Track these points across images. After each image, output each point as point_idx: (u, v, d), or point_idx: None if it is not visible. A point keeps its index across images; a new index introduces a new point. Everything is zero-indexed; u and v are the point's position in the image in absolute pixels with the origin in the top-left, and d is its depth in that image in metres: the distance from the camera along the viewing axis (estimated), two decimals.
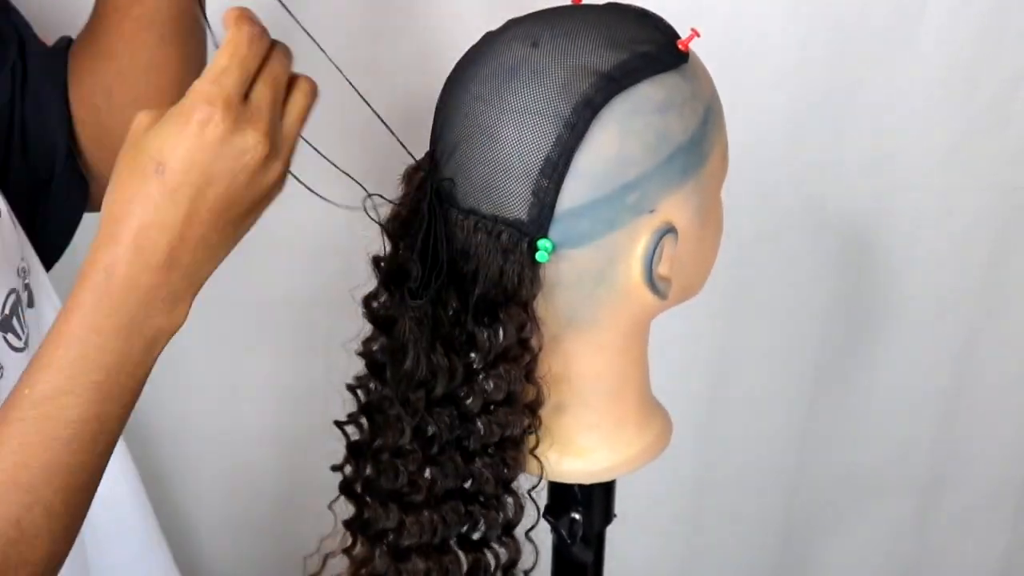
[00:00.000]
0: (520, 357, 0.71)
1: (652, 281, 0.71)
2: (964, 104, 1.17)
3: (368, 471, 0.78)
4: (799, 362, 1.34)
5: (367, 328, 0.75)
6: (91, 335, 0.62)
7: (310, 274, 1.23)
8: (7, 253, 0.78)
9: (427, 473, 0.74)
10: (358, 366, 0.77)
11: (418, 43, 1.06)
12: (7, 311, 0.77)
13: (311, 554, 0.83)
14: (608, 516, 0.86)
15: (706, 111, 0.71)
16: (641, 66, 0.68)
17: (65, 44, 0.89)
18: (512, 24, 0.72)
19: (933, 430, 1.39)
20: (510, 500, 0.76)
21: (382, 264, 0.73)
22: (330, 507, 0.81)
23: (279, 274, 1.22)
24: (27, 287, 0.82)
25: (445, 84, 0.72)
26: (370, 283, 0.75)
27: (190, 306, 0.65)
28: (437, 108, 0.72)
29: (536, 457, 0.76)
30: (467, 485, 0.75)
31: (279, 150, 0.65)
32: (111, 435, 0.64)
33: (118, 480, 0.95)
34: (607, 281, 0.71)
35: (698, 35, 0.71)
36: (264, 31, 0.66)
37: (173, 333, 0.65)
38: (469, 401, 0.72)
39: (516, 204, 0.68)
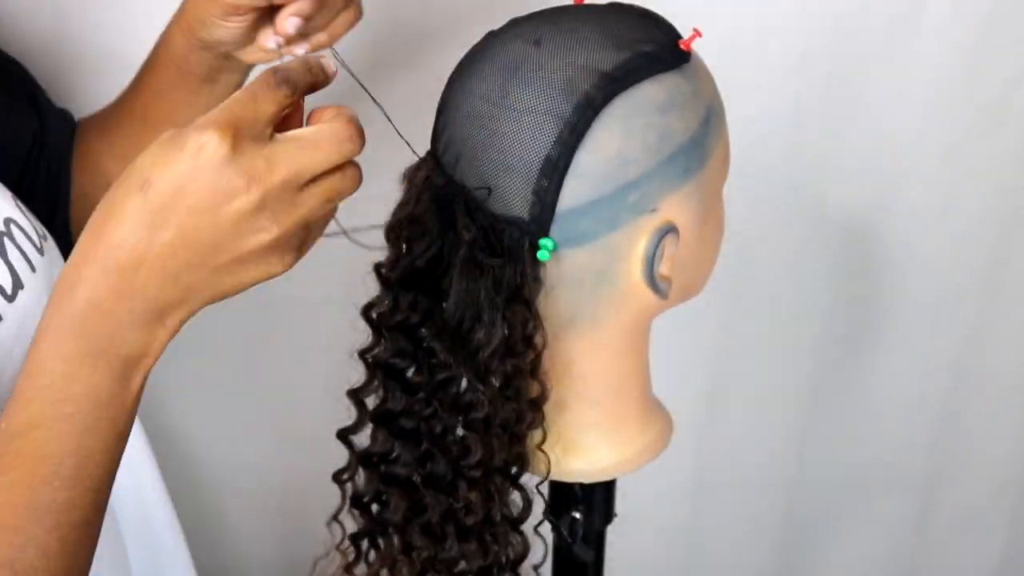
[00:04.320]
0: (524, 353, 0.71)
1: (653, 281, 0.71)
2: (964, 104, 1.17)
3: (403, 470, 0.76)
4: (799, 362, 1.34)
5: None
6: (56, 362, 0.56)
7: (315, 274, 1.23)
8: None
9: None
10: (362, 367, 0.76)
11: (420, 42, 1.06)
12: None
13: None
14: (609, 515, 0.87)
15: (707, 111, 0.71)
16: (643, 66, 0.68)
17: (72, 125, 0.92)
18: (514, 23, 0.72)
19: (933, 430, 1.39)
20: (517, 495, 0.77)
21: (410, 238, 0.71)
22: (328, 526, 0.80)
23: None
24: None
25: (447, 83, 0.72)
26: (373, 289, 0.74)
27: (163, 340, 0.58)
28: (439, 107, 0.72)
29: (544, 452, 0.76)
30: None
31: (287, 227, 0.58)
32: (100, 468, 0.57)
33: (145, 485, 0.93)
34: (608, 280, 0.71)
35: (700, 35, 0.71)
36: (361, 143, 0.60)
37: (146, 364, 0.58)
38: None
39: (517, 203, 0.68)
